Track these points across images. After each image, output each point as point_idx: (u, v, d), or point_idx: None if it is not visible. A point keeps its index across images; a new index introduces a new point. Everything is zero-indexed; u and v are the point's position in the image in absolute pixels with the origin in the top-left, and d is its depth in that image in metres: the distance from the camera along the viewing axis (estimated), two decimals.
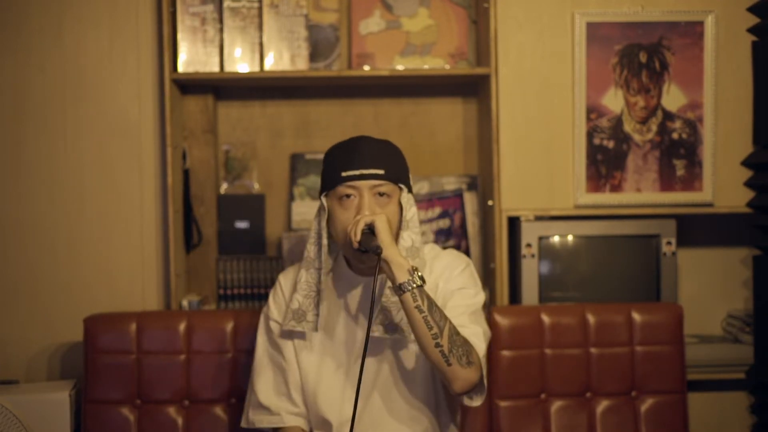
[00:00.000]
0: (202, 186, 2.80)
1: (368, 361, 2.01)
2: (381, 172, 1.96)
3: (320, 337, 2.09)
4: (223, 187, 2.84)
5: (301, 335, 2.10)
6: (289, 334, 2.11)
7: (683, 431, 2.41)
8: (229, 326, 2.42)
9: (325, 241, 2.03)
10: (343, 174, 1.96)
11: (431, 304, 1.87)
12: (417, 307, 1.85)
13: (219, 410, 2.39)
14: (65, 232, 2.68)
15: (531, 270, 2.62)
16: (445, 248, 2.17)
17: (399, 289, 1.86)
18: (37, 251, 2.68)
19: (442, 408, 2.10)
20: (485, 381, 1.97)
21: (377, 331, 2.00)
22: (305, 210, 2.79)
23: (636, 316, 2.44)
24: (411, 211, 2.01)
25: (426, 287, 1.89)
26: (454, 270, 2.07)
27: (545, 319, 2.44)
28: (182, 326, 2.42)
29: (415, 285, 1.85)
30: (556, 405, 2.41)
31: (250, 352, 2.35)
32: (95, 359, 2.39)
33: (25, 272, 2.68)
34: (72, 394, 2.43)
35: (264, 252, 2.81)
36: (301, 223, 2.79)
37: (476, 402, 1.98)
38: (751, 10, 2.64)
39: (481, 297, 2.07)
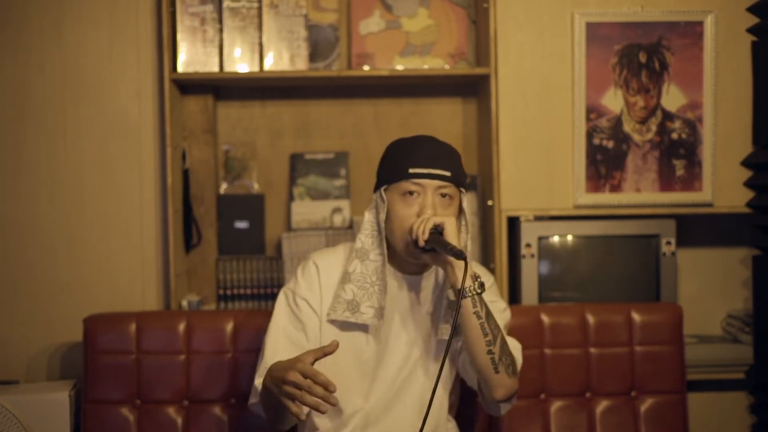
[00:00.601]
0: (202, 186, 2.80)
1: (401, 356, 2.03)
2: (448, 173, 1.96)
3: (350, 325, 2.04)
4: (223, 187, 2.84)
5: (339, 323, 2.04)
6: (317, 313, 2.05)
7: (683, 431, 2.41)
8: (229, 326, 2.42)
9: (384, 235, 1.99)
10: (411, 171, 1.94)
11: (488, 311, 1.89)
12: (476, 313, 1.87)
13: (219, 410, 2.39)
14: (65, 232, 2.68)
15: (530, 270, 2.62)
16: None
17: (461, 294, 1.85)
18: (37, 251, 2.68)
19: (451, 410, 2.12)
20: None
21: (445, 333, 2.00)
22: (305, 210, 2.80)
23: (636, 316, 2.44)
24: (468, 216, 2.02)
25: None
26: (485, 283, 2.03)
27: (545, 319, 2.44)
28: (182, 326, 2.42)
29: (475, 291, 1.87)
30: (555, 405, 2.41)
31: (250, 352, 2.35)
32: (95, 359, 2.39)
33: (25, 272, 2.68)
34: (72, 394, 2.43)
35: (264, 252, 2.81)
36: (301, 223, 2.79)
37: (504, 410, 2.02)
38: (751, 10, 2.64)
39: (509, 312, 2.11)
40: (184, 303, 2.64)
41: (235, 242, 2.80)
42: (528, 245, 2.62)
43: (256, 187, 2.85)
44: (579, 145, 2.65)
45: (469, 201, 2.78)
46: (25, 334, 2.68)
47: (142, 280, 2.70)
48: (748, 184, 2.66)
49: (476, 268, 2.07)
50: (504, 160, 2.63)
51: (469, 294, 1.86)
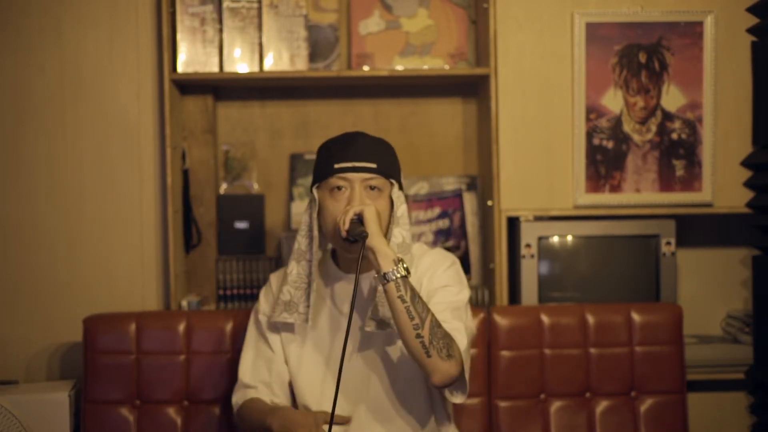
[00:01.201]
0: (202, 186, 2.80)
1: (361, 356, 2.06)
2: (373, 165, 1.99)
3: (307, 329, 2.10)
4: (223, 188, 2.84)
5: (290, 328, 2.12)
6: (276, 328, 2.13)
7: (683, 431, 2.41)
8: (229, 326, 2.42)
9: (315, 233, 2.05)
10: (336, 166, 1.98)
11: (414, 295, 1.88)
12: (400, 297, 1.87)
13: (218, 410, 2.39)
14: (65, 232, 2.68)
15: (530, 270, 2.62)
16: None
17: (383, 278, 1.87)
18: (37, 251, 2.68)
19: (437, 403, 2.10)
20: (467, 377, 1.96)
21: (370, 326, 2.01)
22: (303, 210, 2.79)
23: (635, 317, 2.45)
24: (401, 208, 2.03)
25: (410, 279, 1.90)
26: (438, 268, 2.08)
27: (545, 319, 2.44)
28: (182, 326, 2.42)
29: (399, 275, 1.87)
30: (555, 405, 2.41)
31: None
32: (95, 359, 2.39)
33: (25, 272, 2.68)
34: (71, 394, 2.43)
35: (263, 252, 2.81)
36: (301, 224, 2.78)
37: (457, 398, 1.98)
38: (751, 10, 2.64)
39: (464, 294, 2.07)
40: (184, 303, 2.64)
41: (235, 242, 2.80)
42: (528, 245, 2.62)
43: (255, 187, 2.85)
44: (579, 146, 2.65)
45: (469, 201, 2.79)
46: (25, 334, 2.68)
47: (141, 280, 2.71)
48: (748, 184, 2.66)
49: (433, 252, 2.11)
50: (504, 160, 2.63)
51: (392, 277, 1.86)
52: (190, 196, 2.78)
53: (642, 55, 2.65)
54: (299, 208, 2.80)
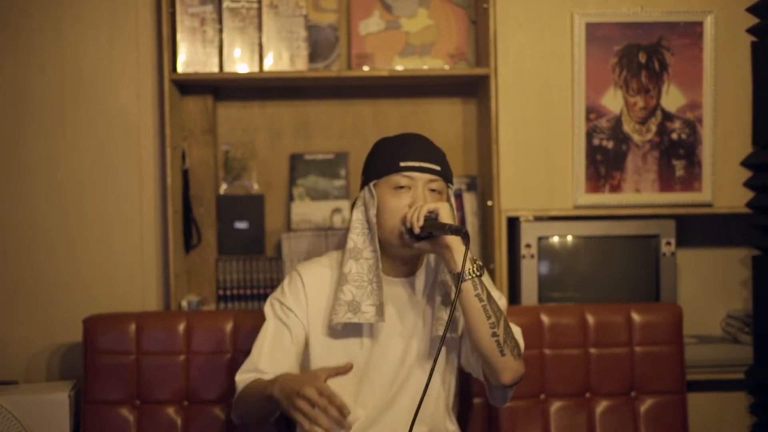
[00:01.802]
0: (202, 186, 2.80)
1: (397, 358, 2.02)
2: (438, 168, 1.97)
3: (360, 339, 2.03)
4: (223, 188, 2.84)
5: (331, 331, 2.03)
6: (304, 320, 2.04)
7: (683, 431, 2.41)
8: (229, 327, 2.42)
9: (375, 230, 1.98)
10: (402, 164, 1.95)
11: (489, 294, 1.88)
12: (477, 295, 1.86)
13: (218, 410, 2.39)
14: (65, 233, 2.68)
15: (530, 270, 2.62)
16: None
17: (459, 277, 1.84)
18: (37, 251, 2.68)
19: (451, 409, 2.11)
20: None
21: (440, 327, 1.97)
22: (305, 210, 2.79)
23: (635, 317, 2.44)
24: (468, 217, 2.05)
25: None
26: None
27: (545, 319, 2.44)
28: (181, 327, 2.42)
29: (475, 274, 1.86)
30: (555, 405, 2.41)
31: (250, 352, 2.35)
32: (95, 360, 2.39)
33: (25, 272, 2.68)
34: (71, 394, 2.43)
35: (263, 252, 2.81)
36: (301, 224, 2.79)
37: (507, 401, 2.01)
38: (751, 10, 2.64)
39: (504, 301, 2.07)
40: (184, 303, 2.64)
41: (234, 242, 2.80)
42: (528, 245, 2.62)
43: (255, 187, 2.85)
44: (579, 146, 2.65)
45: (469, 201, 2.79)
46: (25, 335, 2.68)
47: (141, 280, 2.71)
48: (748, 184, 2.66)
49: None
50: (504, 160, 2.63)
51: (469, 276, 1.85)
52: (190, 196, 2.78)
53: (642, 55, 2.65)
54: (299, 208, 2.80)
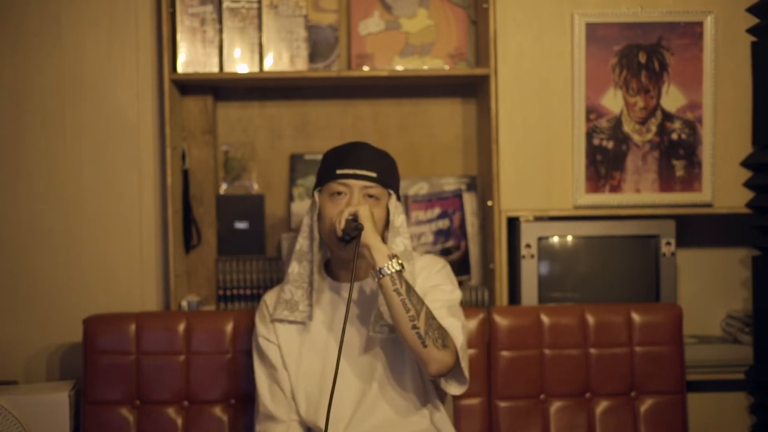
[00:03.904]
0: (202, 186, 2.80)
1: (364, 358, 2.11)
2: (373, 174, 2.07)
3: (303, 336, 2.15)
4: (223, 188, 2.84)
5: (288, 334, 2.15)
6: (274, 337, 2.16)
7: (683, 431, 2.41)
8: (229, 327, 2.42)
9: (316, 235, 2.12)
10: (338, 172, 2.07)
11: (409, 288, 1.96)
12: (395, 290, 1.94)
13: (218, 411, 2.39)
14: (64, 233, 2.68)
15: (530, 270, 2.62)
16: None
17: (378, 273, 1.95)
18: (37, 252, 2.68)
19: (431, 399, 2.14)
20: (466, 373, 2.03)
21: (377, 331, 2.09)
22: (305, 210, 2.79)
23: (635, 317, 2.45)
24: (400, 218, 2.12)
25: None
26: (432, 269, 2.17)
27: (544, 319, 2.44)
28: (181, 327, 2.42)
29: (393, 269, 1.94)
30: (555, 405, 2.41)
31: (250, 352, 2.35)
32: (94, 360, 2.39)
33: (25, 273, 2.68)
34: (71, 394, 2.43)
35: (263, 252, 2.81)
36: (302, 225, 2.78)
37: (453, 389, 2.05)
38: (750, 10, 2.64)
39: (457, 294, 2.16)
40: (184, 303, 2.64)
41: (234, 243, 2.80)
42: (528, 246, 2.62)
43: (255, 187, 2.85)
44: (578, 146, 2.65)
45: (469, 201, 2.79)
46: (25, 335, 2.67)
47: (141, 280, 2.70)
48: (748, 184, 2.66)
49: (425, 257, 2.20)
50: (503, 160, 2.63)
51: (387, 272, 1.94)
52: (190, 197, 2.78)
53: (642, 56, 2.65)
54: (299, 208, 2.80)
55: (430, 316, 1.97)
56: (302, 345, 2.14)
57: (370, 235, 1.97)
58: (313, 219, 2.12)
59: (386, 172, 2.10)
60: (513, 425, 2.39)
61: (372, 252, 1.96)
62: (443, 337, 1.98)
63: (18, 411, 2.29)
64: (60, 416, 2.39)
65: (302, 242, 2.15)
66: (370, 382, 2.10)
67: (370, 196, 2.07)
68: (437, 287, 2.12)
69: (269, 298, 2.22)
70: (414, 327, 1.94)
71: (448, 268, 2.21)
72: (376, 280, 1.96)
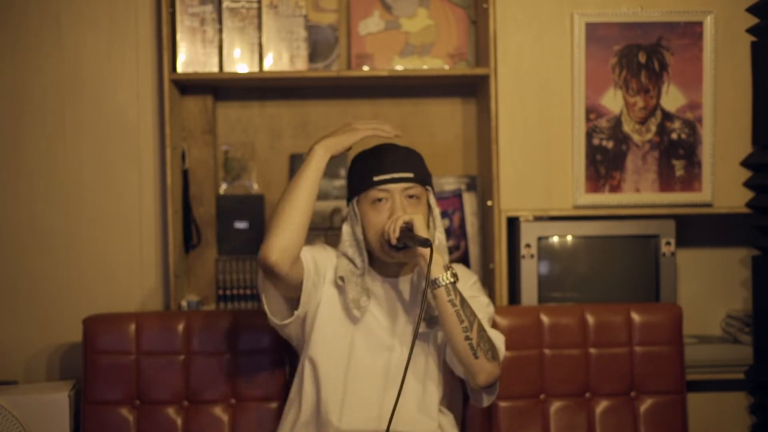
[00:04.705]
0: (201, 186, 2.80)
1: (396, 355, 2.10)
2: (411, 175, 2.08)
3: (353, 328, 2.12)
4: (223, 188, 2.84)
5: (334, 303, 2.13)
6: (321, 281, 2.12)
7: (682, 431, 2.41)
8: (229, 327, 2.42)
9: (363, 246, 2.11)
10: (375, 179, 2.06)
11: (463, 299, 1.98)
12: (450, 301, 1.97)
13: (218, 411, 2.39)
14: (64, 233, 2.68)
15: (530, 270, 2.62)
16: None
17: (434, 284, 1.97)
18: (37, 252, 2.68)
19: (453, 405, 2.17)
20: (497, 385, 2.08)
21: (421, 327, 2.06)
22: None
23: (635, 317, 2.45)
24: (436, 211, 2.14)
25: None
26: (466, 281, 2.19)
27: (544, 319, 2.44)
28: (181, 327, 2.42)
29: (448, 281, 1.97)
30: (555, 405, 2.41)
31: (250, 352, 2.36)
32: (94, 360, 2.39)
33: (25, 273, 2.68)
34: (71, 394, 2.43)
35: None
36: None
37: (487, 401, 2.08)
38: (750, 10, 2.64)
39: (492, 308, 2.21)
40: (184, 303, 2.64)
41: (234, 242, 2.79)
42: (527, 245, 2.62)
43: (255, 187, 2.85)
44: (578, 146, 2.65)
45: (468, 201, 2.79)
46: (25, 335, 2.68)
47: (141, 280, 2.71)
48: (748, 184, 2.66)
49: (457, 267, 2.19)
50: (503, 160, 2.63)
51: (443, 283, 1.96)
52: (190, 196, 2.78)
53: (641, 56, 2.65)
54: None
55: (482, 328, 2.00)
56: (337, 322, 2.11)
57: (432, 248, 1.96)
58: (356, 230, 2.10)
59: (420, 169, 2.11)
60: (513, 425, 2.39)
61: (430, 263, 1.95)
62: (492, 348, 2.01)
63: (18, 411, 2.30)
64: (60, 416, 2.39)
65: (347, 250, 2.12)
66: (394, 380, 2.08)
67: (411, 196, 2.08)
68: (474, 299, 2.13)
69: (326, 254, 2.16)
70: (467, 338, 1.97)
71: (480, 282, 2.26)
72: (430, 290, 1.96)
